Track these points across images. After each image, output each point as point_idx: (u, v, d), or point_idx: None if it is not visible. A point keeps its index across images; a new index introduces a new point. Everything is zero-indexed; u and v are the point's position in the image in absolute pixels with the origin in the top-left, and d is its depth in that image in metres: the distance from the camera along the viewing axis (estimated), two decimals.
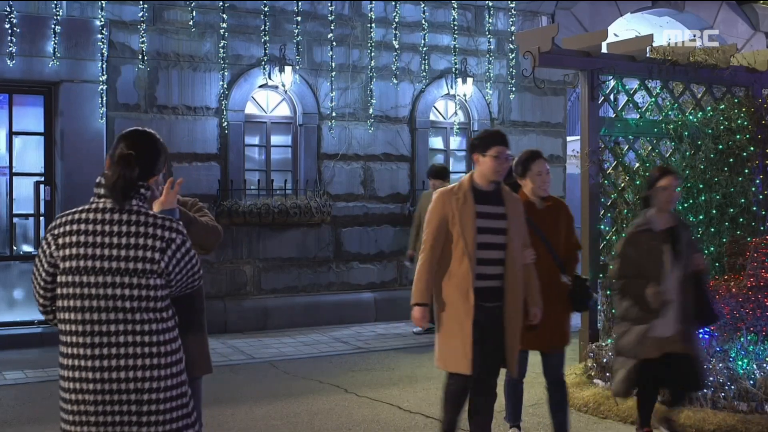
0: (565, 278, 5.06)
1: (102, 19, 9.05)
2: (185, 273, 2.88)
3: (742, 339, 6.22)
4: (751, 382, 5.71)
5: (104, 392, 2.73)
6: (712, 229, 7.42)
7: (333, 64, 10.30)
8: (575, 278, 5.13)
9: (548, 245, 4.97)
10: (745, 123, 7.62)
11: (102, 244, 2.76)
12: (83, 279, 2.76)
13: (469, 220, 4.42)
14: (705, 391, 5.71)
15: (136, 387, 2.74)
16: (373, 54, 10.52)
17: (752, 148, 7.65)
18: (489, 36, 11.35)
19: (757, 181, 7.76)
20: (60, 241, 2.80)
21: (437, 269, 4.48)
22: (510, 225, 4.51)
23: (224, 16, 9.66)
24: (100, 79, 9.07)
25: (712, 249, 7.37)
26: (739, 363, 5.87)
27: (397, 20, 10.63)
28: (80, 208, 2.86)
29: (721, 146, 7.53)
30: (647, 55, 7.63)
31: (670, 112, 7.88)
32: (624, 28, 12.77)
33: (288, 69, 9.94)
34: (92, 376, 2.73)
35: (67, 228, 2.81)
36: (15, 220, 9.31)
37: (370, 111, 10.58)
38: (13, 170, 9.22)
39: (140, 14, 9.26)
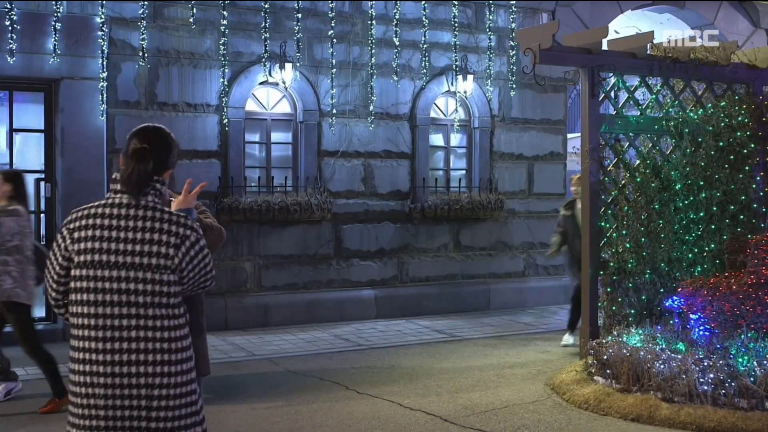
0: None
1: (102, 16, 9.04)
2: (198, 271, 2.90)
3: (742, 336, 6.22)
4: (752, 379, 5.71)
5: (115, 386, 2.74)
6: (713, 226, 7.42)
7: (333, 61, 10.29)
8: None
9: None
10: (746, 120, 7.63)
11: (117, 239, 2.80)
12: (97, 273, 2.79)
13: None
14: (705, 388, 5.72)
15: (146, 382, 2.75)
16: (373, 51, 10.51)
17: (753, 145, 7.66)
18: (489, 33, 11.34)
19: (758, 178, 7.77)
20: (75, 234, 2.83)
21: None
22: None
23: (225, 13, 9.66)
24: (101, 76, 9.07)
25: (712, 246, 7.38)
26: (740, 360, 5.87)
27: (397, 17, 10.62)
28: (96, 203, 2.90)
29: (721, 143, 7.54)
30: (648, 52, 7.63)
31: (670, 109, 7.89)
32: (624, 25, 12.78)
33: (288, 66, 9.93)
34: (103, 369, 2.75)
35: (83, 222, 2.84)
36: None
37: (371, 108, 10.57)
38: (14, 167, 9.21)
39: (140, 11, 9.26)
